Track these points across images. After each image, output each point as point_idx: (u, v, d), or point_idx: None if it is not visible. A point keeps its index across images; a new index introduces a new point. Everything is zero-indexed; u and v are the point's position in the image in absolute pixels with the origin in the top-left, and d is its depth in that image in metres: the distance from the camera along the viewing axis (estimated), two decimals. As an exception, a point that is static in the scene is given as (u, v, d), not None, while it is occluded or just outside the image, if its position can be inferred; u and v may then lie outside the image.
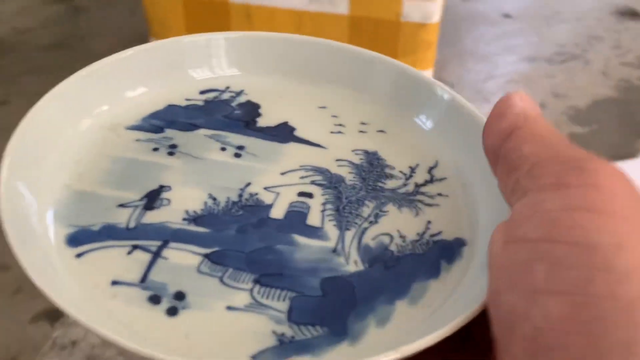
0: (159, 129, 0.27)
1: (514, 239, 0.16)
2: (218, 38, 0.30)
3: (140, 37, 0.58)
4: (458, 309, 0.20)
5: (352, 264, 0.22)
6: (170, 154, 0.26)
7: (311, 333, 0.20)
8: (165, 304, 0.20)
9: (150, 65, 0.28)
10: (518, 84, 0.63)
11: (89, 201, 0.23)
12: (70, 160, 0.25)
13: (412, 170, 0.27)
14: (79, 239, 0.22)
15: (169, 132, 0.27)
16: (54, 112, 0.25)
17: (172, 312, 0.20)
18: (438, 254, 0.23)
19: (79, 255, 0.21)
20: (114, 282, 0.20)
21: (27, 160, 0.23)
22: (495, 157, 0.20)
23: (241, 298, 0.21)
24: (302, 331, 0.20)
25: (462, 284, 0.22)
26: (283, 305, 0.20)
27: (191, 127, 0.27)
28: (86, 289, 0.20)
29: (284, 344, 0.19)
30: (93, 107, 0.26)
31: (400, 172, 0.27)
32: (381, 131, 0.29)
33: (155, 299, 0.20)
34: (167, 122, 0.27)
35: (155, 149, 0.26)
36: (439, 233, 0.24)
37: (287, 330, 0.20)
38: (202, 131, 0.27)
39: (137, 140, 0.26)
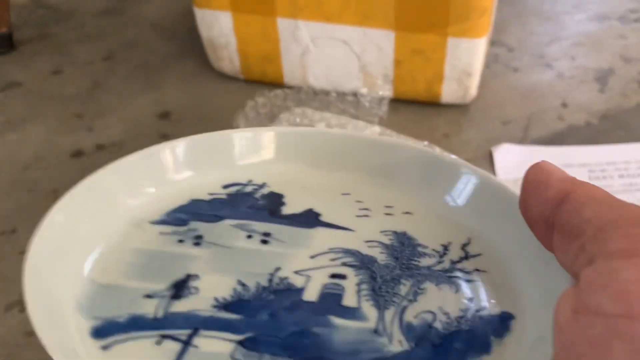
0: (183, 222, 0.26)
1: (586, 310, 0.15)
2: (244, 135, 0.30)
3: (186, 3, 0.53)
4: None
5: (397, 344, 0.21)
6: (196, 244, 0.25)
7: None
8: None
9: (174, 159, 0.28)
10: (584, 46, 0.56)
11: (114, 294, 0.22)
12: (94, 253, 0.24)
13: (445, 248, 0.26)
14: (104, 330, 0.20)
15: (193, 224, 0.26)
16: (79, 206, 0.24)
17: None
18: (486, 330, 0.22)
19: (105, 348, 0.20)
20: None
21: (52, 252, 0.22)
22: (547, 226, 0.19)
23: None
24: None
25: (519, 354, 0.20)
26: None
27: (216, 218, 0.27)
28: None
29: None
30: (117, 202, 0.26)
31: (433, 250, 0.26)
32: (407, 213, 0.28)
33: None
34: (191, 215, 0.27)
35: (181, 241, 0.25)
36: (484, 308, 0.23)
37: None
38: (227, 222, 0.27)
39: (162, 233, 0.26)
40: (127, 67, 0.52)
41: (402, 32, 0.49)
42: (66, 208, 0.24)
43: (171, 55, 0.55)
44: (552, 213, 0.19)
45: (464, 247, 0.26)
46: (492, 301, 0.23)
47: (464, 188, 0.28)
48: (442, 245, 0.26)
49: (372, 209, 0.28)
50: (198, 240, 0.25)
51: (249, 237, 0.26)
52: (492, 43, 0.56)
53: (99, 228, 0.25)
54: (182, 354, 0.20)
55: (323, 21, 0.51)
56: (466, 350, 0.21)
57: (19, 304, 0.32)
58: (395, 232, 0.27)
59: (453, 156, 0.29)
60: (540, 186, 0.20)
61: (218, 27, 0.53)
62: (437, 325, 0.22)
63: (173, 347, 0.20)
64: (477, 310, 0.22)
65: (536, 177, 0.20)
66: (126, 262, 0.24)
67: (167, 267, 0.24)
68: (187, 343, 0.20)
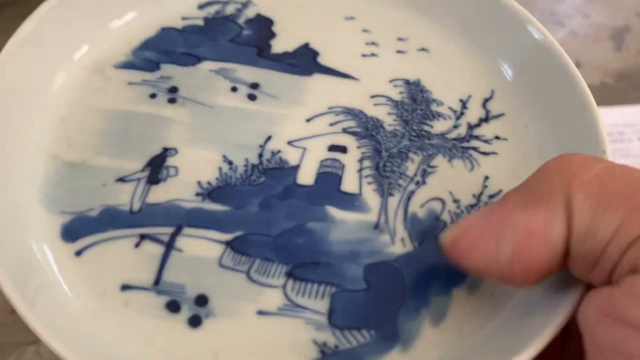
0: (153, 66, 0.22)
1: (623, 320, 0.13)
2: None
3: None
4: (535, 302, 0.17)
5: (399, 243, 0.19)
6: (172, 100, 0.21)
7: (357, 340, 0.17)
8: (185, 312, 0.17)
9: None
10: (598, 3, 0.53)
11: (82, 176, 0.19)
12: (54, 118, 0.20)
13: (464, 104, 0.22)
14: (75, 230, 0.18)
15: (165, 69, 0.22)
16: (26, 61, 0.20)
17: (194, 322, 0.17)
18: None
19: (78, 253, 0.18)
20: (124, 287, 0.18)
21: (2, 127, 0.19)
22: None
23: (273, 298, 0.18)
24: (346, 338, 0.17)
25: None
26: (322, 305, 0.18)
27: (192, 59, 0.22)
28: (93, 297, 0.17)
29: (327, 356, 0.17)
30: (72, 47, 0.21)
31: (450, 108, 0.22)
32: (423, 49, 0.23)
33: (173, 306, 0.17)
34: (162, 53, 0.22)
35: (153, 95, 0.21)
36: (499, 193, 0.20)
37: (329, 338, 0.17)
38: (206, 64, 0.22)
39: (130, 83, 0.22)
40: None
41: None
42: (11, 64, 0.19)
43: None
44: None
45: (485, 102, 0.22)
46: (510, 182, 0.20)
47: (496, 21, 0.23)
48: (461, 100, 0.22)
49: (382, 44, 0.23)
50: (173, 95, 0.21)
51: (234, 89, 0.22)
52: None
53: (55, 83, 0.21)
54: (165, 261, 0.18)
55: None
56: (474, 251, 0.19)
57: None
58: (407, 82, 0.23)
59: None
60: None
61: None
62: (445, 217, 0.20)
63: (154, 250, 0.18)
64: (491, 197, 0.20)
65: None
66: (93, 128, 0.20)
67: (140, 136, 0.20)
68: (169, 245, 0.18)
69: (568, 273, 0.16)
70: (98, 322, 0.17)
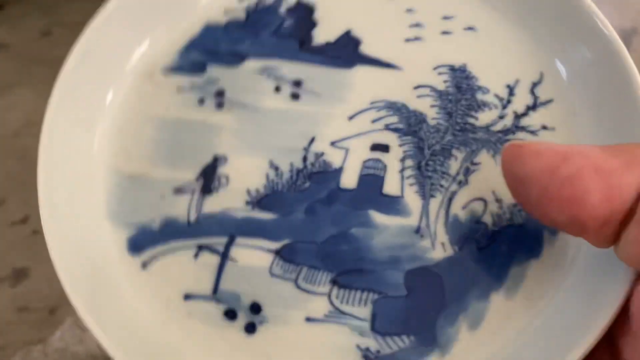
0: (200, 67, 0.23)
1: None
2: None
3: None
4: (574, 303, 0.17)
5: (439, 248, 0.20)
6: (219, 105, 0.22)
7: (397, 345, 0.19)
8: (241, 319, 0.19)
9: None
10: (605, 3, 0.47)
11: (142, 188, 0.21)
12: (111, 130, 0.22)
13: (511, 90, 0.22)
14: (140, 242, 0.20)
15: (212, 71, 0.23)
16: (84, 74, 0.21)
17: (250, 329, 0.19)
18: (539, 223, 0.20)
19: (144, 265, 0.20)
20: (187, 297, 0.20)
21: (64, 142, 0.20)
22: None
23: (319, 306, 0.19)
24: (387, 343, 0.19)
25: (575, 264, 0.19)
26: (365, 312, 0.19)
27: (236, 58, 0.23)
28: (160, 307, 0.19)
29: None
30: (124, 55, 0.22)
31: (496, 96, 0.22)
32: (470, 29, 0.23)
33: (231, 314, 0.19)
34: (207, 54, 0.23)
35: (201, 101, 0.22)
36: None
37: (371, 343, 0.19)
38: (250, 63, 0.23)
39: (179, 89, 0.22)
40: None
41: None
42: (70, 80, 0.21)
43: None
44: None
45: (533, 88, 0.22)
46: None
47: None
48: (508, 86, 0.22)
49: (426, 24, 0.23)
50: (220, 99, 0.22)
51: (277, 89, 0.22)
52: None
53: (112, 90, 0.22)
54: (221, 271, 0.20)
55: None
56: (514, 253, 0.19)
57: (10, 279, 0.29)
58: (452, 68, 0.22)
59: None
60: None
61: None
62: (487, 219, 0.20)
63: (211, 260, 0.20)
64: (535, 194, 0.20)
65: None
66: (148, 138, 0.22)
67: (192, 146, 0.22)
68: (224, 256, 0.20)
69: (609, 275, 0.17)
70: (164, 333, 0.19)
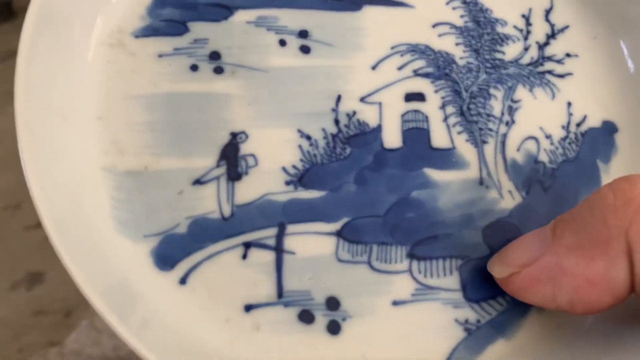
0: (179, 27, 0.18)
1: None
2: None
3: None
4: None
5: (507, 196, 0.18)
6: (218, 70, 0.18)
7: (495, 309, 0.17)
8: (320, 319, 0.16)
9: None
10: None
11: (151, 187, 0.17)
12: (90, 119, 0.17)
13: (527, 20, 0.20)
14: (169, 254, 0.16)
15: (195, 29, 0.18)
16: (43, 61, 0.16)
17: (333, 328, 0.16)
18: (592, 153, 0.19)
19: (182, 281, 0.16)
20: (248, 307, 0.16)
21: (44, 143, 0.15)
22: None
23: (403, 285, 0.17)
24: (485, 310, 0.17)
25: None
26: (454, 281, 0.17)
27: (222, 11, 0.19)
28: (219, 327, 0.16)
29: (473, 333, 0.17)
30: (86, 26, 0.17)
31: (515, 27, 0.20)
32: None
33: (306, 317, 0.16)
34: (183, 8, 0.18)
35: (194, 67, 0.18)
36: (584, 119, 0.19)
37: (469, 314, 0.17)
38: (240, 15, 0.19)
39: (160, 55, 0.18)
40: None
41: None
42: (31, 70, 0.15)
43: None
44: None
45: (547, 15, 0.21)
46: (591, 103, 0.20)
47: None
48: (523, 16, 0.20)
49: None
50: (217, 63, 0.18)
51: (282, 43, 0.19)
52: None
53: (80, 73, 0.17)
54: (280, 268, 0.16)
55: None
56: (577, 190, 0.19)
57: (26, 282, 0.27)
58: (464, 1, 0.20)
59: None
60: None
61: None
62: (543, 157, 0.19)
63: (265, 258, 0.16)
64: (578, 124, 0.19)
65: None
66: (138, 124, 0.17)
67: (198, 124, 0.17)
68: (279, 250, 0.16)
69: None
70: (231, 352, 0.15)
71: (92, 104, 0.17)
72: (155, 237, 0.16)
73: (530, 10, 0.20)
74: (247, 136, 0.17)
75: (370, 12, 0.19)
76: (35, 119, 0.15)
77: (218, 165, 0.17)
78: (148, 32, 0.18)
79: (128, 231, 0.16)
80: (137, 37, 0.18)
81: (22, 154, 0.14)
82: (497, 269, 0.16)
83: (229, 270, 0.16)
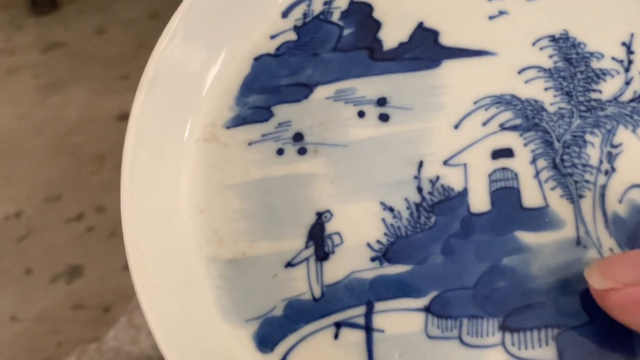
0: (265, 113, 0.19)
1: None
2: None
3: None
4: None
5: (608, 255, 0.17)
6: (301, 151, 0.19)
7: None
8: None
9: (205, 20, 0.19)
10: None
11: (248, 272, 0.18)
12: (194, 211, 0.19)
13: (629, 48, 0.18)
14: (269, 337, 0.17)
15: (279, 113, 0.19)
16: (146, 164, 0.18)
17: None
18: None
19: None
20: None
21: (149, 241, 0.17)
22: None
23: (496, 359, 0.17)
24: None
25: None
26: (550, 352, 0.16)
27: (302, 90, 0.19)
28: None
29: None
30: (181, 126, 0.19)
31: (613, 59, 0.18)
32: None
33: None
34: (267, 94, 0.19)
35: (280, 152, 0.19)
36: None
37: None
38: (320, 92, 0.19)
39: (250, 143, 0.19)
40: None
41: None
42: (135, 168, 0.18)
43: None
44: None
45: (653, 38, 0.19)
46: None
47: None
48: (623, 44, 0.19)
49: None
50: (300, 143, 0.19)
51: (361, 115, 0.19)
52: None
53: (176, 169, 0.19)
54: (371, 347, 0.17)
55: None
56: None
57: (66, 275, 0.28)
58: (552, 39, 0.19)
59: None
60: None
61: None
62: None
63: (355, 337, 0.17)
64: (696, 164, 0.17)
65: None
66: (234, 212, 0.19)
67: (287, 207, 0.18)
68: (369, 328, 0.17)
69: None
70: None
71: (194, 198, 0.18)
72: (255, 321, 0.17)
73: (632, 35, 0.18)
74: (331, 214, 0.18)
75: (449, 67, 0.19)
76: (141, 223, 0.17)
77: (307, 247, 0.18)
78: (237, 121, 0.19)
79: (231, 317, 0.17)
80: (228, 127, 0.19)
81: (128, 257, 0.16)
82: (596, 279, 0.15)
83: (323, 351, 0.17)
